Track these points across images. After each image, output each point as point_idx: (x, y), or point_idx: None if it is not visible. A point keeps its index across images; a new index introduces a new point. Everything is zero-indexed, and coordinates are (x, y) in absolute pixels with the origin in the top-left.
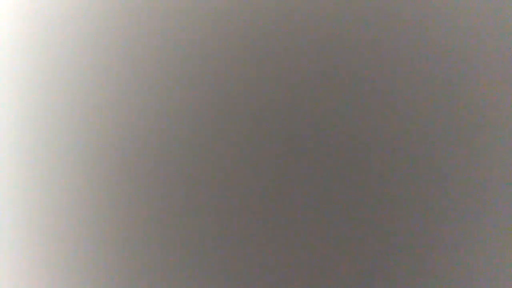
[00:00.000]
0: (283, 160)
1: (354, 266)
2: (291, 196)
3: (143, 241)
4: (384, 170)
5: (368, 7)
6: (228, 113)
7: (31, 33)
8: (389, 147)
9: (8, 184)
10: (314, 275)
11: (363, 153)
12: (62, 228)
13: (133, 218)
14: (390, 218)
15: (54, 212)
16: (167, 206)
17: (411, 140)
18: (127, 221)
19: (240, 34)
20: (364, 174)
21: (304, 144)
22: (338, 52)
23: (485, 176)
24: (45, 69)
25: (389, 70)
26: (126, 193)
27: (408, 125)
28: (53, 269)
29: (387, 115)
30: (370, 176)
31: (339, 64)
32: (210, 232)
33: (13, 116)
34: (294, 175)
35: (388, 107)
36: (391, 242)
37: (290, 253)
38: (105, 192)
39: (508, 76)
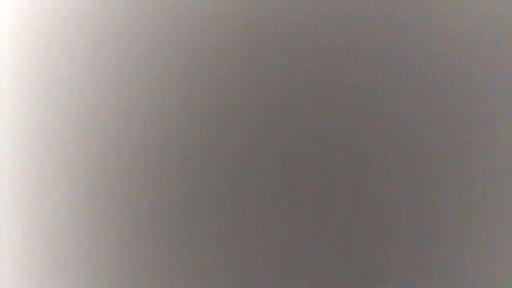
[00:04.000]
0: (282, 160)
1: (353, 266)
2: (290, 196)
3: (144, 242)
4: (383, 171)
5: (368, 8)
6: (228, 114)
7: (31, 33)
8: (389, 148)
9: (8, 185)
10: (314, 275)
11: (363, 154)
12: (62, 228)
13: (133, 219)
14: (389, 219)
15: (54, 213)
16: (167, 206)
17: (410, 141)
18: (128, 222)
19: (240, 36)
20: (364, 175)
21: (304, 145)
22: (338, 52)
23: (485, 176)
24: (45, 69)
25: (388, 71)
26: (127, 194)
27: (408, 126)
28: (53, 269)
29: (386, 116)
30: (370, 176)
31: (339, 65)
32: (210, 233)
33: (13, 117)
34: (293, 176)
35: (387, 108)
36: (390, 243)
37: (290, 253)
38: (105, 192)
39: (508, 76)
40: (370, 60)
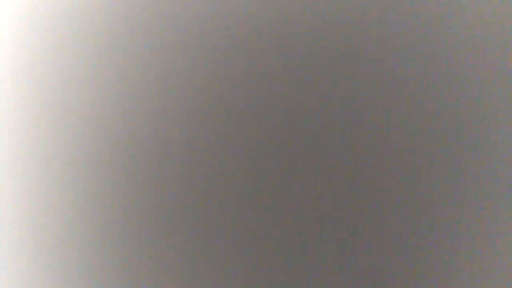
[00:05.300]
0: (282, 161)
1: (353, 266)
2: (290, 196)
3: (145, 242)
4: (382, 171)
5: (368, 7)
6: (227, 114)
7: (31, 33)
8: (388, 148)
9: (8, 184)
10: (313, 275)
11: (363, 154)
12: (62, 228)
13: (133, 219)
14: (388, 219)
15: (55, 213)
16: (167, 206)
17: (410, 141)
18: (128, 222)
19: (239, 35)
20: (364, 175)
21: (303, 145)
22: (337, 52)
23: (484, 176)
24: (45, 69)
25: (388, 71)
26: (127, 194)
27: (407, 126)
28: (54, 269)
29: (386, 115)
30: (369, 176)
31: (338, 64)
32: (210, 233)
33: (13, 116)
34: (292, 176)
35: (387, 108)
36: (389, 243)
37: (289, 254)
38: (105, 193)
39: (508, 76)
40: (370, 61)
